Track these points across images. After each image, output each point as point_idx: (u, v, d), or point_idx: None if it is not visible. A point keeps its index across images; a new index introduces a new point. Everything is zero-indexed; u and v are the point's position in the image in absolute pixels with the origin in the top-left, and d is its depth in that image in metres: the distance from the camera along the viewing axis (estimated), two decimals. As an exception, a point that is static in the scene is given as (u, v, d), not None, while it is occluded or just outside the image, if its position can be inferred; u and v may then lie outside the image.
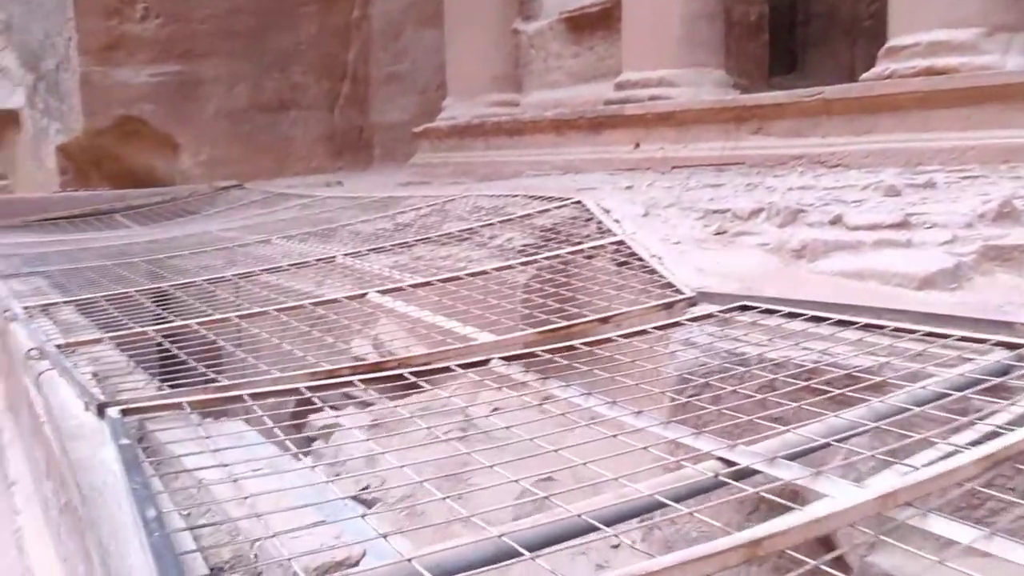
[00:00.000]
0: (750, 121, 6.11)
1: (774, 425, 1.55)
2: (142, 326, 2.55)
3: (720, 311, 2.55)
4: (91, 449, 1.48)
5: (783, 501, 1.21)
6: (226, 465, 1.38)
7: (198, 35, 9.05)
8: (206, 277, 3.42)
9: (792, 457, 1.38)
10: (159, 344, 2.39)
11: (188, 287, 3.24)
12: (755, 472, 1.36)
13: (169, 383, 1.98)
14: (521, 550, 1.08)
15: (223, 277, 3.43)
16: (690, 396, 1.98)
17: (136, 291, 3.15)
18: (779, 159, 5.76)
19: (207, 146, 9.14)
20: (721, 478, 1.33)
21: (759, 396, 1.79)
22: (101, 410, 1.64)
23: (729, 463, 1.41)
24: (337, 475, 2.73)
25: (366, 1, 10.72)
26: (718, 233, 3.76)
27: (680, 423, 1.65)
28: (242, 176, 9.30)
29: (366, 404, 2.50)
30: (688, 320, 2.53)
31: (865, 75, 5.49)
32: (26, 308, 2.81)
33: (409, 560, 1.03)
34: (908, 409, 1.58)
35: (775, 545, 1.11)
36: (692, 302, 2.78)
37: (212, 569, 1.12)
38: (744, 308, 2.56)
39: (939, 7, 5.08)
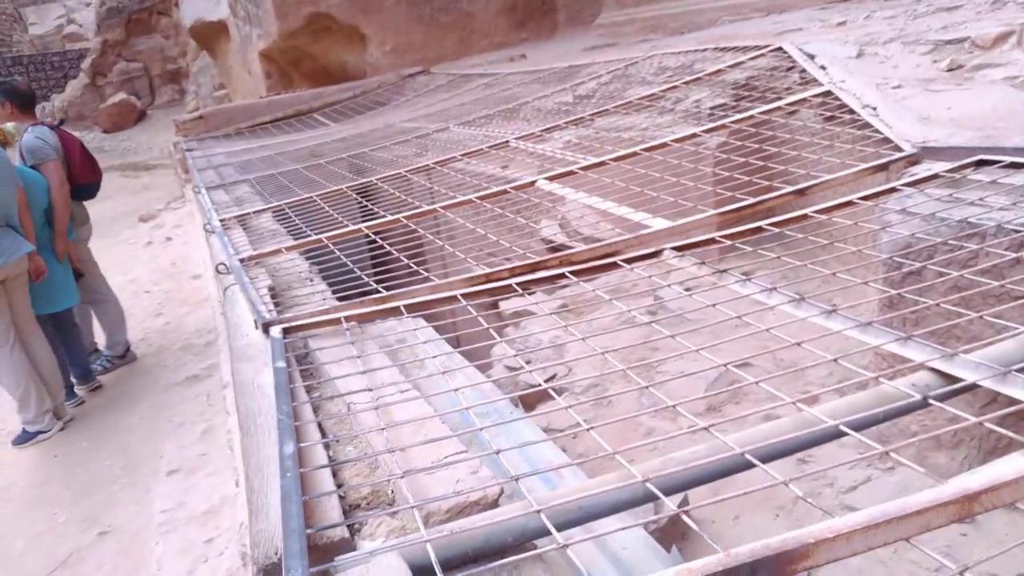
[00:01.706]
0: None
1: (1013, 325, 1.23)
2: (324, 232, 2.59)
3: (949, 170, 2.11)
4: (253, 371, 1.50)
5: (1015, 435, 0.94)
6: (373, 389, 1.33)
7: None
8: (381, 175, 3.43)
9: (1037, 372, 1.08)
10: (346, 249, 2.43)
11: (368, 186, 3.27)
12: (977, 389, 1.08)
13: (339, 294, 1.99)
14: (660, 494, 0.93)
15: (397, 174, 3.42)
16: (903, 286, 1.64)
17: (318, 196, 3.23)
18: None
19: (392, 34, 9.19)
20: (931, 399, 1.07)
21: (995, 283, 1.44)
22: (266, 328, 1.67)
23: (946, 377, 1.13)
24: (528, 362, 2.71)
25: None
26: (952, 69, 3.12)
27: (886, 324, 1.36)
28: (428, 61, 9.31)
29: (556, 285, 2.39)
30: (907, 184, 2.11)
31: None
32: (223, 221, 2.96)
33: (538, 512, 0.92)
34: None
35: (999, 499, 0.86)
36: (914, 160, 2.33)
37: (347, 509, 1.09)
38: (981, 163, 2.09)
39: None
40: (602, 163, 2.75)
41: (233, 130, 7.57)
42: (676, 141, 2.84)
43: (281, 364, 1.44)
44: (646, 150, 2.77)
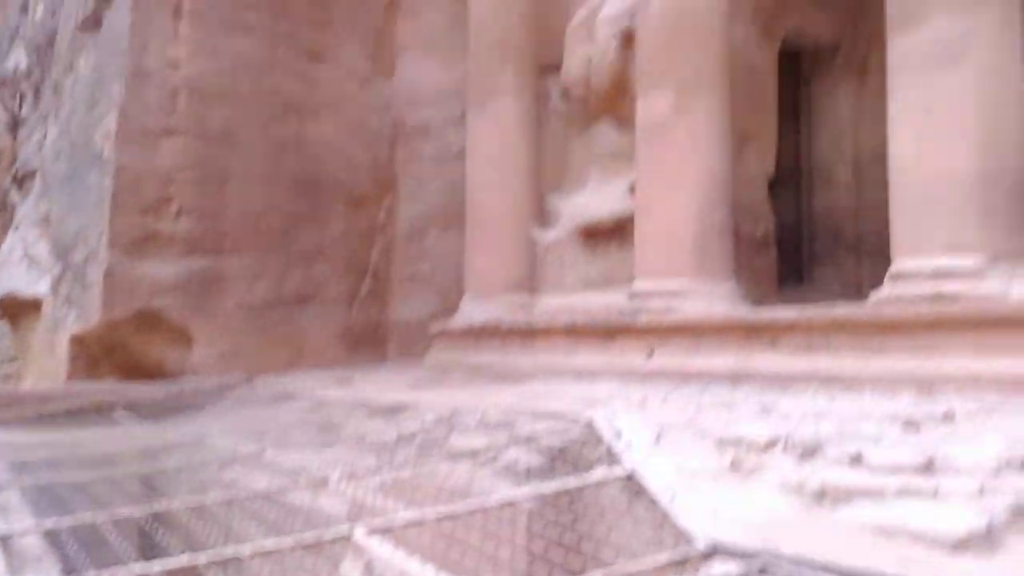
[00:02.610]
0: (763, 336, 6.10)
1: None
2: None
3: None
4: None
5: None
6: None
7: (228, 232, 9.44)
8: (178, 500, 3.24)
9: None
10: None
11: (163, 516, 3.06)
12: None
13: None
14: None
15: (198, 503, 3.25)
16: None
17: (100, 520, 2.96)
18: (792, 376, 5.68)
19: (221, 339, 9.23)
20: None
21: None
22: None
23: None
24: None
25: (393, 204, 11.27)
26: (734, 465, 3.58)
27: None
28: (254, 369, 9.30)
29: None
30: (700, 582, 2.31)
31: (873, 296, 5.53)
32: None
33: None
34: None
35: None
36: (707, 555, 2.57)
37: None
38: (763, 571, 2.35)
39: (941, 233, 5.19)
40: (422, 521, 2.78)
41: (14, 416, 6.93)
42: (496, 508, 2.96)
43: None
44: (468, 513, 2.85)
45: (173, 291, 9.00)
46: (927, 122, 5.23)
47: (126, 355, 9.17)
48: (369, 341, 10.88)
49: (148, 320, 8.94)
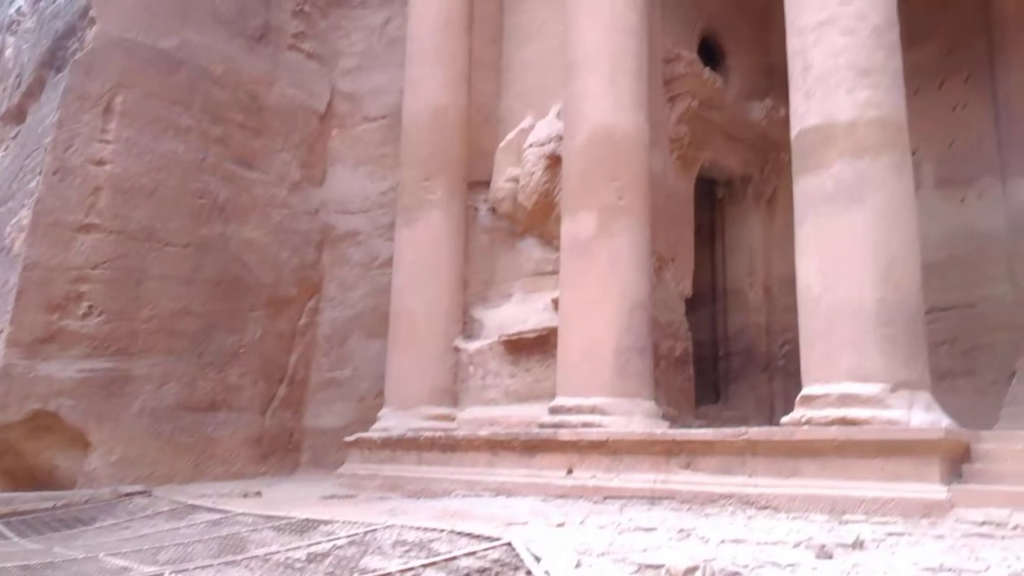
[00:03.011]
0: (680, 455, 6.18)
1: None
2: None
3: None
4: None
5: None
6: None
7: (139, 333, 9.08)
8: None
9: None
10: None
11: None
12: None
13: None
14: None
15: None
16: None
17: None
18: (709, 496, 5.75)
19: (122, 445, 8.69)
20: None
21: None
22: None
23: None
24: None
25: (315, 309, 11.13)
26: (652, 594, 3.53)
27: None
28: (156, 479, 8.78)
29: None
30: None
31: (785, 419, 5.71)
32: None
33: None
34: None
35: None
36: None
37: None
38: None
39: (845, 362, 5.47)
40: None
41: None
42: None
43: None
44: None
45: (74, 392, 8.51)
46: (831, 256, 5.59)
47: (16, 460, 8.52)
48: (281, 449, 10.46)
49: (43, 423, 8.38)
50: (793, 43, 6.13)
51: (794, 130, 6.06)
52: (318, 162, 11.30)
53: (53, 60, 9.69)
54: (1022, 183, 8.81)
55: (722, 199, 10.24)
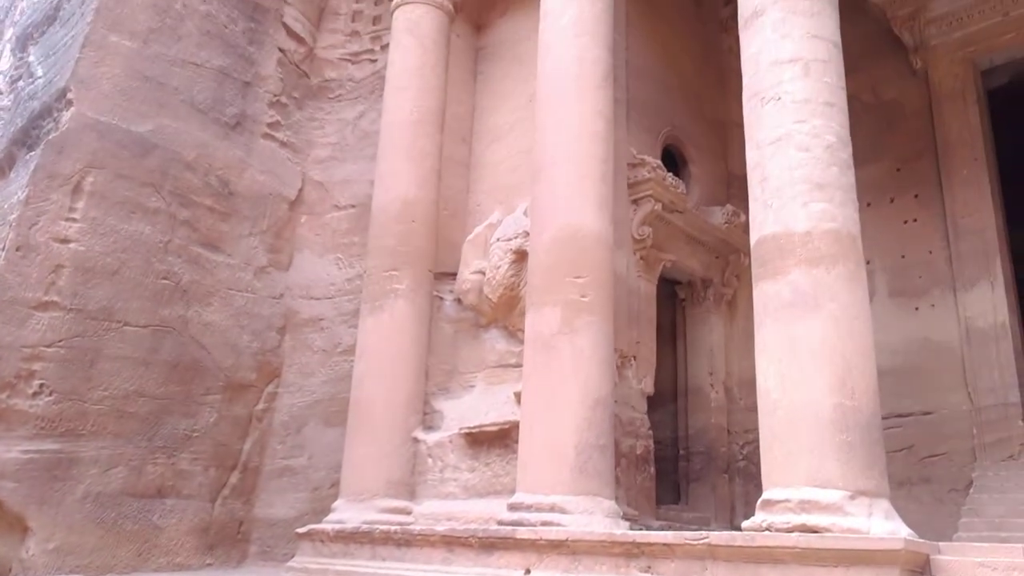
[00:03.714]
0: (640, 558, 6.09)
1: None
2: None
3: None
4: None
5: None
6: None
7: (89, 414, 8.79)
8: None
9: None
10: None
11: None
12: None
13: None
14: None
15: None
16: None
17: None
18: (670, 602, 5.64)
19: (62, 532, 8.27)
20: None
21: None
22: None
23: None
24: None
25: (274, 394, 10.92)
26: None
27: None
28: (95, 569, 8.35)
29: None
30: None
31: (746, 524, 5.68)
32: None
33: None
34: None
35: None
36: None
37: None
38: None
39: (804, 467, 5.50)
40: None
41: None
42: None
43: None
44: None
45: (16, 475, 8.14)
46: (788, 361, 5.71)
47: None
48: (229, 540, 10.05)
49: (-18, 506, 7.99)
50: (752, 156, 6.43)
51: (753, 237, 6.28)
52: (285, 247, 11.33)
53: (26, 139, 9.70)
54: (972, 296, 9.18)
55: (684, 300, 10.46)
